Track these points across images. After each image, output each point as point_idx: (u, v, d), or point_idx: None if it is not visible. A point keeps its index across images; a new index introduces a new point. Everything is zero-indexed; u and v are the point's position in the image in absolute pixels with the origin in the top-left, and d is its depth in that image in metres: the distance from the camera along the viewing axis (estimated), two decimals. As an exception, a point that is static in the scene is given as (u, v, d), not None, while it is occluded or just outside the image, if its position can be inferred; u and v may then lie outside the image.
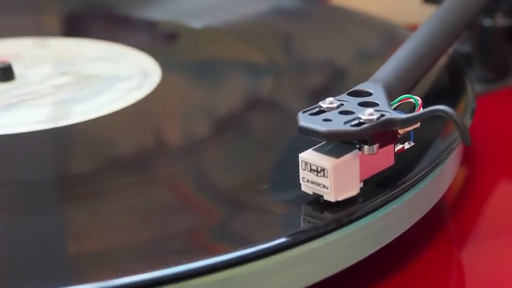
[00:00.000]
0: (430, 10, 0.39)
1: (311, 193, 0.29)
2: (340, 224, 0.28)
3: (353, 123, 0.28)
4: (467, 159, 0.38)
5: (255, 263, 0.27)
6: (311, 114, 0.29)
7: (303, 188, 0.29)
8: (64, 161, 0.35)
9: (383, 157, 0.29)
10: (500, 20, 0.45)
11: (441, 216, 0.35)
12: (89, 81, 0.41)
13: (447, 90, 0.39)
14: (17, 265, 0.27)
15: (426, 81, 0.37)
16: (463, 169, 0.38)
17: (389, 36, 0.46)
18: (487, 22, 0.45)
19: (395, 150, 0.30)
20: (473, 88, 0.38)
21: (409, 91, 0.32)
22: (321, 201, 0.29)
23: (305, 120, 0.28)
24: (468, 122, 0.35)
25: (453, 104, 0.36)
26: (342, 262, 0.29)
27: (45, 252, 0.28)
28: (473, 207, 0.36)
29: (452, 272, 0.33)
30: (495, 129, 0.43)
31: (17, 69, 0.42)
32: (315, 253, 0.28)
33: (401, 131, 0.29)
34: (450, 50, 0.40)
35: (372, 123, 0.28)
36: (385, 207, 0.29)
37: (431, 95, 0.37)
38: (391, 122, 0.28)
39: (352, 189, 0.29)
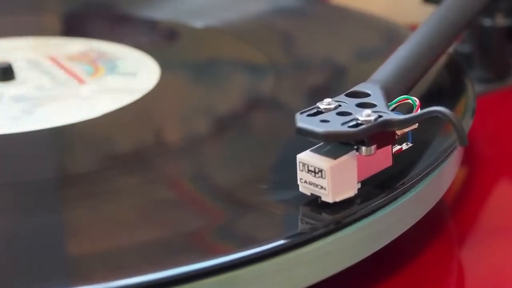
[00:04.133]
0: (430, 10, 0.39)
1: (308, 194, 0.29)
2: (338, 225, 0.28)
3: (351, 124, 0.28)
4: (467, 159, 0.38)
5: (252, 265, 0.27)
6: (309, 115, 0.29)
7: (301, 189, 0.29)
8: (65, 161, 0.35)
9: (381, 158, 0.29)
10: (500, 20, 0.45)
11: (441, 216, 0.35)
12: (89, 80, 0.41)
13: (447, 90, 0.39)
14: (18, 266, 0.27)
15: (426, 81, 0.37)
16: (463, 169, 0.38)
17: (390, 35, 0.46)
18: (487, 22, 0.45)
19: (393, 151, 0.30)
20: (474, 88, 0.38)
21: (407, 91, 0.32)
22: (319, 202, 0.28)
23: (302, 121, 0.28)
24: (469, 122, 0.35)
25: (453, 104, 0.36)
26: (341, 263, 0.29)
27: (47, 253, 0.28)
28: (473, 207, 0.36)
29: (452, 272, 0.33)
30: (495, 129, 0.43)
31: (17, 69, 0.42)
32: (313, 254, 0.28)
33: (399, 132, 0.29)
34: (450, 50, 0.40)
35: (370, 124, 0.28)
36: (383, 208, 0.29)
37: (431, 95, 0.37)
38: (388, 123, 0.28)
39: (350, 190, 0.28)
